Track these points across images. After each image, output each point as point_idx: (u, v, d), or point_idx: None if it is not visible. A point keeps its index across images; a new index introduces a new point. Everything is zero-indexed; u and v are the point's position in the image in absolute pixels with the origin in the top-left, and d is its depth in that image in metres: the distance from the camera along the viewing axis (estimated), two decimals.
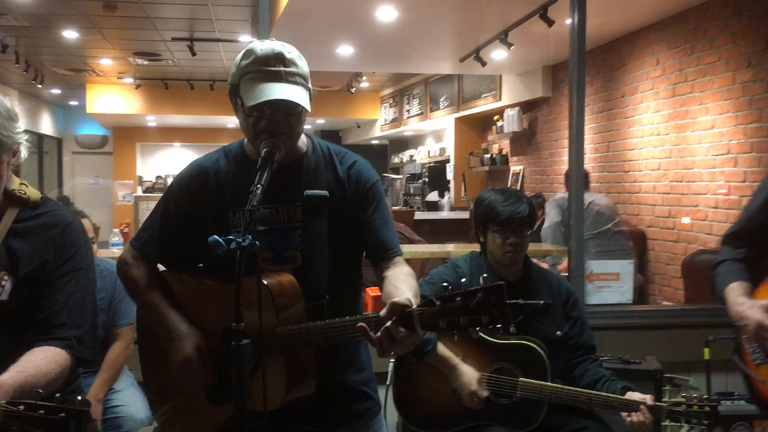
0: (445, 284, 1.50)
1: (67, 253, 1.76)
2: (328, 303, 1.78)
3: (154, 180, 14.78)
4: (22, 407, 1.36)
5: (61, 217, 1.82)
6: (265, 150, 1.69)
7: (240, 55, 1.78)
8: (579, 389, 2.41)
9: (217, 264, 1.79)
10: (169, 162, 15.54)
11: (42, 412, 1.35)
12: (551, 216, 5.17)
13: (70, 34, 8.07)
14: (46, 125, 14.24)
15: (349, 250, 1.89)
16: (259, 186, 1.60)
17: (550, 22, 5.24)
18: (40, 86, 10.90)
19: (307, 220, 1.82)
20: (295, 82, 1.74)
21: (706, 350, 3.26)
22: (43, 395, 1.42)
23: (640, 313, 3.88)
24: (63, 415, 1.34)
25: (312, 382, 1.75)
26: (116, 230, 4.57)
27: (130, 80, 11.37)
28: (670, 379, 3.54)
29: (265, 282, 1.68)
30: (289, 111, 1.73)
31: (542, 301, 2.44)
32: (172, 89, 11.46)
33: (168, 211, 1.91)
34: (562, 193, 5.71)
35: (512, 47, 6.09)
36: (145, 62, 9.76)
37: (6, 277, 1.70)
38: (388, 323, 1.47)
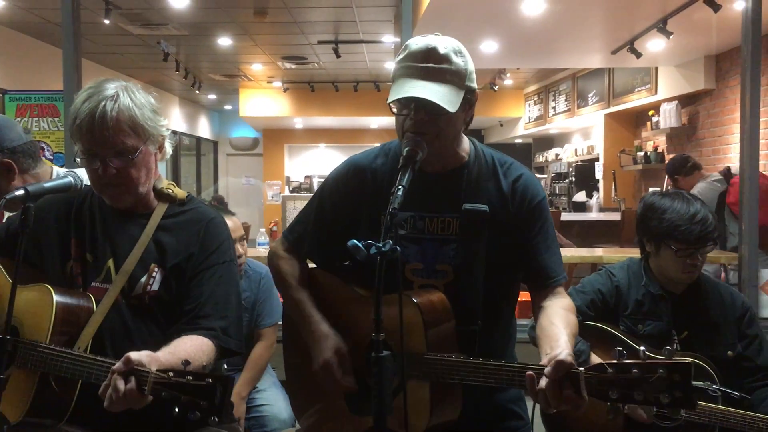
0: (619, 349, 1.35)
1: (211, 247, 1.82)
2: (481, 330, 1.66)
3: (301, 180, 15.29)
4: (171, 374, 1.42)
5: (206, 213, 1.89)
6: (406, 149, 1.59)
7: (401, 50, 1.71)
8: (756, 414, 2.12)
9: (366, 267, 1.72)
10: (315, 162, 16.03)
11: (190, 378, 1.39)
12: None
13: (224, 41, 8.48)
14: (204, 129, 15.17)
15: (507, 272, 1.75)
16: (399, 188, 1.49)
17: (716, 7, 4.80)
18: (197, 92, 11.61)
19: (463, 235, 1.71)
20: (443, 80, 1.61)
21: None
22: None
23: None
24: (210, 380, 1.38)
25: (457, 409, 1.64)
26: (263, 230, 4.71)
27: (278, 84, 11.84)
28: None
29: (415, 300, 1.59)
30: (434, 111, 1.61)
31: (738, 394, 2.16)
32: (317, 92, 11.80)
33: (323, 208, 1.88)
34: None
35: (671, 36, 5.65)
36: (293, 66, 10.09)
37: (156, 269, 1.79)
38: (552, 383, 1.36)
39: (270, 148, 15.32)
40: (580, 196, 10.05)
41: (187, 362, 1.44)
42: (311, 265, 1.94)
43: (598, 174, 9.96)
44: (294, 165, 16.15)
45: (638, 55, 6.54)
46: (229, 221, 2.70)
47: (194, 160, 14.97)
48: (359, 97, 11.46)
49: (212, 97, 13.49)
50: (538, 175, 12.10)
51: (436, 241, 1.72)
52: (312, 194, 1.96)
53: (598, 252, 5.43)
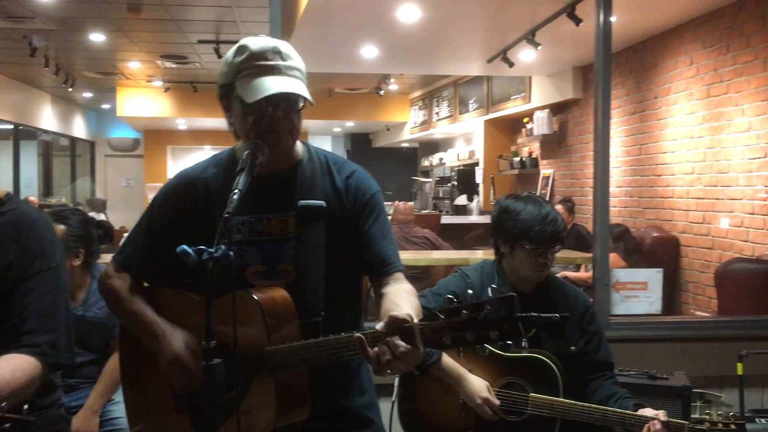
0: (450, 296, 1.38)
1: (33, 253, 1.65)
2: (324, 320, 1.66)
3: None
4: None
5: (26, 214, 1.69)
6: (246, 153, 1.59)
7: (231, 53, 1.68)
8: (593, 405, 2.27)
9: (202, 274, 1.68)
10: None
11: None
12: None
13: (97, 38, 8.12)
14: (79, 128, 14.45)
15: (347, 264, 1.78)
16: (236, 192, 1.48)
17: (577, 21, 5.06)
18: (71, 90, 11.03)
19: (301, 232, 1.72)
20: (294, 76, 1.64)
21: (740, 365, 3.07)
22: (8, 407, 1.33)
23: (669, 324, 3.68)
24: (8, 425, 1.27)
25: (305, 408, 1.63)
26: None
27: (159, 83, 11.46)
28: (701, 395, 3.34)
29: (256, 297, 1.58)
30: (290, 107, 1.64)
31: (558, 315, 2.28)
32: (201, 92, 11.50)
33: (153, 225, 1.81)
34: None
35: (540, 47, 5.92)
36: (173, 65, 9.80)
37: None
38: (387, 339, 1.36)
39: (151, 149, 14.79)
40: (462, 200, 10.34)
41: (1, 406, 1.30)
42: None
43: (479, 178, 10.28)
44: (178, 167, 15.48)
45: (511, 64, 6.81)
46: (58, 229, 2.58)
47: (68, 162, 14.23)
48: None
49: (87, 95, 12.86)
50: (424, 179, 12.35)
51: (276, 241, 1.72)
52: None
53: (478, 254, 5.59)
